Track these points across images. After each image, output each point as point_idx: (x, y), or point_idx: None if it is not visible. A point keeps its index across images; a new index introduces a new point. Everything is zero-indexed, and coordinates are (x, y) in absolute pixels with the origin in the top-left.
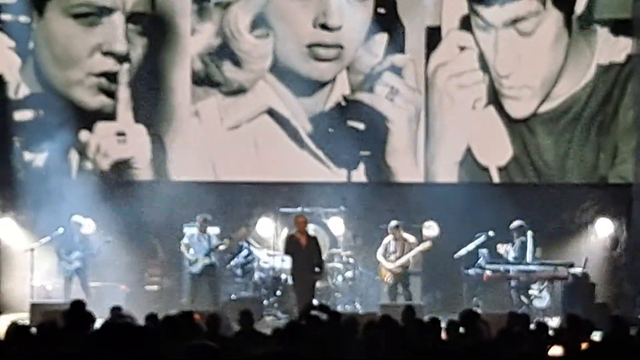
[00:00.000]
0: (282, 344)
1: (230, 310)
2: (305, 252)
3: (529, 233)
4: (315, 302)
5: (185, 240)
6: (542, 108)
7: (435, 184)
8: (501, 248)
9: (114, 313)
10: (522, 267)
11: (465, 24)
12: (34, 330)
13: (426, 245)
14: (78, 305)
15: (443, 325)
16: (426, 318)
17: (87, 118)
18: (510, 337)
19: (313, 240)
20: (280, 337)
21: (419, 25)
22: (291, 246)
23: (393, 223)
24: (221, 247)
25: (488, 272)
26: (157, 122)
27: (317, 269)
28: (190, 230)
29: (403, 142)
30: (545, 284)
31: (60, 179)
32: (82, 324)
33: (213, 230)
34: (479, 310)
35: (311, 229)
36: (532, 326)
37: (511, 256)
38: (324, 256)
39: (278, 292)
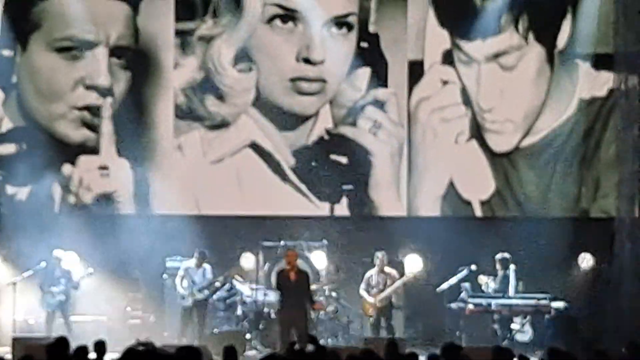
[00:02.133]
0: None
1: (213, 344)
2: (294, 287)
3: (512, 267)
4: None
5: (180, 272)
6: (524, 142)
7: (418, 217)
8: (482, 280)
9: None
10: (504, 301)
11: (448, 58)
12: None
13: (409, 277)
14: (62, 343)
15: (423, 359)
16: (406, 352)
17: (70, 152)
18: None
19: (303, 275)
20: None
21: (402, 59)
22: (281, 281)
23: (379, 253)
24: (217, 284)
25: (470, 306)
26: (140, 155)
27: (312, 301)
28: (186, 264)
29: (386, 176)
30: (528, 317)
31: (43, 212)
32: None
33: (207, 266)
34: (462, 344)
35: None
36: None
37: (491, 288)
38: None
39: (261, 326)
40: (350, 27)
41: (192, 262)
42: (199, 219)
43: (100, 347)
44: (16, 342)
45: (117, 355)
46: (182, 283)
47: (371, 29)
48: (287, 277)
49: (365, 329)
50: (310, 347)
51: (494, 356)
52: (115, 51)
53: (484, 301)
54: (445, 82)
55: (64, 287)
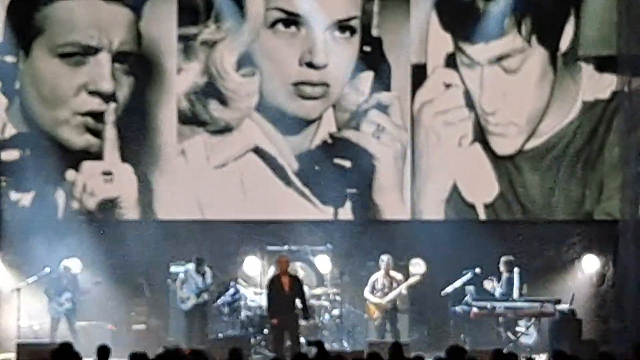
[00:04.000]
0: None
1: (218, 349)
2: (287, 293)
3: (516, 269)
4: (303, 339)
5: (181, 276)
6: (527, 145)
7: (421, 221)
8: (487, 284)
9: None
10: (508, 304)
11: (451, 62)
12: None
13: (414, 279)
14: (66, 348)
15: None
16: (412, 355)
17: (73, 157)
18: None
19: (296, 281)
20: None
21: (405, 62)
22: (273, 286)
23: (384, 256)
24: (212, 288)
25: (475, 309)
26: (143, 161)
27: (301, 307)
28: (186, 267)
29: (389, 180)
30: (532, 320)
31: (47, 218)
32: None
33: (206, 271)
34: (467, 347)
35: (298, 266)
36: None
37: (498, 292)
38: (310, 293)
39: (265, 331)
40: (353, 30)
41: (192, 267)
42: (203, 224)
43: (103, 352)
44: (21, 347)
45: None
46: (182, 287)
47: (374, 32)
48: (279, 282)
49: (369, 333)
50: (312, 351)
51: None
52: (118, 56)
53: (488, 304)
54: (448, 86)
55: (71, 295)
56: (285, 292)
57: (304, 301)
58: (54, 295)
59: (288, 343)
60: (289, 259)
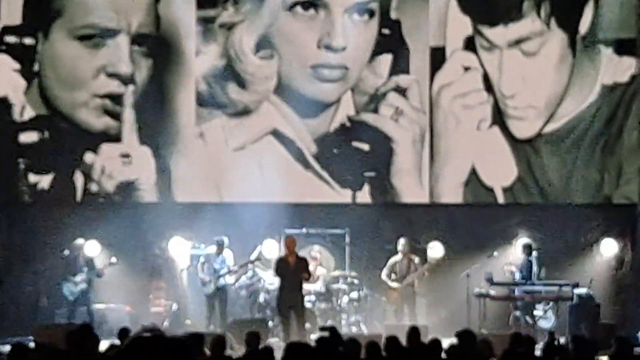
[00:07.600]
0: None
1: (236, 332)
2: (293, 273)
3: (534, 253)
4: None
5: (201, 259)
6: (546, 128)
7: (440, 204)
8: (506, 268)
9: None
10: (527, 288)
11: (470, 45)
12: (38, 352)
13: (432, 263)
14: (86, 330)
15: (445, 346)
16: (428, 339)
17: (92, 140)
18: (515, 358)
19: (302, 262)
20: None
21: (423, 45)
22: (280, 267)
23: (403, 239)
24: (236, 268)
25: (493, 293)
26: (162, 143)
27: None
28: (206, 251)
29: (408, 163)
30: (550, 304)
31: (65, 201)
32: (87, 347)
33: (228, 253)
34: (484, 331)
35: (315, 250)
36: (539, 346)
37: (516, 275)
38: (329, 276)
39: None
40: (371, 13)
41: (212, 250)
42: (221, 207)
43: (125, 334)
44: (39, 329)
45: None
46: (203, 270)
47: (393, 15)
48: (286, 263)
49: (387, 316)
50: (325, 334)
51: (513, 343)
52: (136, 39)
53: (506, 288)
54: (467, 69)
55: (86, 276)
56: (291, 272)
57: (308, 277)
58: (69, 276)
59: (294, 321)
60: (296, 240)
